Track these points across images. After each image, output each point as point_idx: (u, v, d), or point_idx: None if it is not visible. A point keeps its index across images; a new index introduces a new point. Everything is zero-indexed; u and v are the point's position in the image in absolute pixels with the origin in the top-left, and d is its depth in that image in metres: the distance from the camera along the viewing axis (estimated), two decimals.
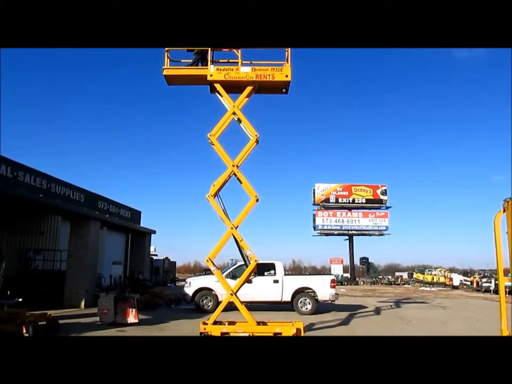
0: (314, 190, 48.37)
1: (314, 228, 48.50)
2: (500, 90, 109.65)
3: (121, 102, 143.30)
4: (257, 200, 8.66)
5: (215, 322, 8.43)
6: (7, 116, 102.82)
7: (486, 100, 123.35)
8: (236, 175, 8.82)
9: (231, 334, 8.25)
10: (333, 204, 47.81)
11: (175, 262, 46.99)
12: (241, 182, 8.85)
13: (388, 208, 48.40)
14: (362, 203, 47.85)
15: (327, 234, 48.99)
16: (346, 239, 49.54)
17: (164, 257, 41.67)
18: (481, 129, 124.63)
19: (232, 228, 8.56)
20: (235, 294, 8.57)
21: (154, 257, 38.06)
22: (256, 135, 8.82)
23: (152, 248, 31.97)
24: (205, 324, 8.36)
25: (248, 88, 9.03)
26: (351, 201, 47.79)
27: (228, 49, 9.16)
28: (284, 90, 9.50)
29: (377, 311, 16.73)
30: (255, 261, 8.49)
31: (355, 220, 47.93)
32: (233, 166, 8.74)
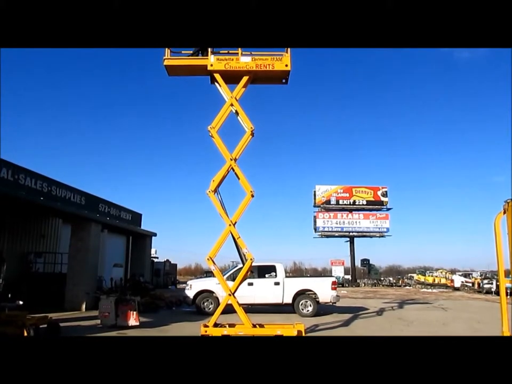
0: (314, 191, 48.35)
1: (315, 230, 48.44)
2: (500, 91, 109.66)
3: (121, 103, 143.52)
4: (252, 196, 8.73)
5: (216, 325, 8.43)
6: (6, 117, 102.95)
7: (486, 101, 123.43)
8: (233, 170, 8.89)
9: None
10: (333, 205, 47.77)
11: (176, 264, 46.94)
12: (238, 178, 8.93)
13: (388, 209, 48.33)
14: (363, 205, 47.79)
15: (328, 236, 48.91)
16: (347, 241, 49.46)
17: (165, 259, 41.62)
18: (481, 130, 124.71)
19: (230, 225, 8.61)
20: (233, 294, 8.57)
21: (155, 260, 38.04)
22: (251, 128, 8.92)
23: (153, 251, 31.94)
24: (206, 326, 8.36)
25: (245, 78, 9.11)
26: (351, 203, 47.74)
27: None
28: (283, 81, 9.55)
29: (379, 312, 16.69)
30: (251, 259, 8.55)
31: (356, 222, 47.87)
32: (231, 159, 8.81)
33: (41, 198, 16.07)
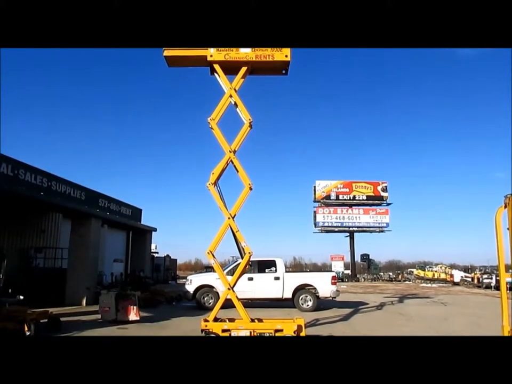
0: (315, 187, 48.43)
1: (315, 225, 48.55)
2: (500, 88, 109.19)
3: (121, 101, 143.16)
4: (250, 189, 8.75)
5: (216, 319, 8.46)
6: (6, 115, 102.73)
7: (487, 97, 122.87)
8: (232, 163, 8.90)
9: (232, 331, 8.27)
10: (333, 200, 47.86)
11: (176, 260, 47.08)
12: (237, 171, 8.95)
13: (388, 204, 48.44)
14: (363, 200, 47.88)
15: (327, 231, 49.03)
16: (347, 236, 49.60)
17: (165, 254, 41.72)
18: (482, 126, 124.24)
19: (229, 218, 8.63)
20: (232, 288, 8.60)
21: (155, 255, 38.09)
22: (249, 119, 8.93)
23: (153, 246, 32.00)
24: (206, 321, 8.39)
25: (243, 69, 9.13)
26: (351, 198, 47.81)
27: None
28: (283, 72, 9.55)
29: (378, 307, 16.77)
30: (249, 253, 8.58)
31: (356, 217, 47.97)
32: (230, 151, 8.82)
33: (41, 193, 16.07)
